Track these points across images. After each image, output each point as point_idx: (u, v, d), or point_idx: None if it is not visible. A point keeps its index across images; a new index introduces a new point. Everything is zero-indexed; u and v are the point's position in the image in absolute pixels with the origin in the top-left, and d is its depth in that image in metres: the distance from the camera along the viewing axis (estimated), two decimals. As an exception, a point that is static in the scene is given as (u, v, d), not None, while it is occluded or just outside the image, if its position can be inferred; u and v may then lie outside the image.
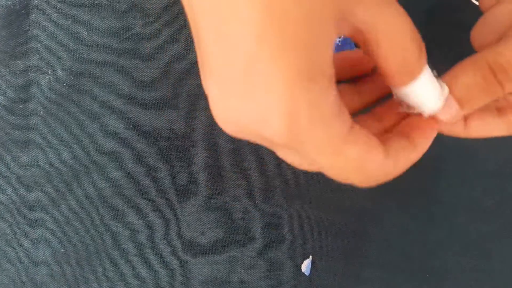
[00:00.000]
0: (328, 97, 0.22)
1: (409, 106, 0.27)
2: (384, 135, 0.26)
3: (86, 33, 0.40)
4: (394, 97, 0.27)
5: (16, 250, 0.39)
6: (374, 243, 0.41)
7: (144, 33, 0.40)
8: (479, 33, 0.31)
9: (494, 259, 0.41)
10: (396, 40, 0.23)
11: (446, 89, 0.26)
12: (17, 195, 0.39)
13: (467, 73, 0.27)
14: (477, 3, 0.32)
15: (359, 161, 0.23)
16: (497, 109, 0.29)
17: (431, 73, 0.26)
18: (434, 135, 0.27)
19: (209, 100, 0.23)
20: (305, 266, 0.40)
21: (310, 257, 0.40)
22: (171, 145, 0.40)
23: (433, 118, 0.27)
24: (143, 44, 0.40)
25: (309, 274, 0.40)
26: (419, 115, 0.27)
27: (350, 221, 0.41)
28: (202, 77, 0.24)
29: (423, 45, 0.24)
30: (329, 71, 0.22)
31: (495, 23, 0.30)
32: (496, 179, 0.42)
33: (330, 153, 0.22)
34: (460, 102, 0.27)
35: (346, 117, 0.23)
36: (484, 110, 0.29)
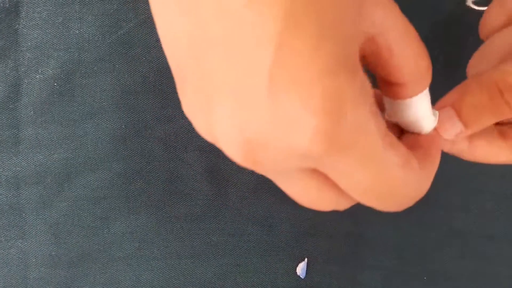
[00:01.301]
0: (369, 91, 0.19)
1: (406, 124, 0.25)
2: None
3: (77, 32, 0.39)
4: (386, 117, 0.26)
5: (5, 252, 0.39)
6: (371, 245, 0.40)
7: (137, 32, 0.39)
8: (478, 62, 0.30)
9: (493, 262, 0.41)
10: (409, 45, 0.21)
11: (437, 112, 0.26)
12: (6, 196, 0.39)
13: (473, 92, 0.26)
14: (474, 6, 0.31)
15: (401, 171, 0.20)
16: (501, 134, 0.28)
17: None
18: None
19: (215, 128, 0.20)
20: (301, 268, 0.40)
21: (306, 259, 0.40)
22: (164, 145, 0.39)
23: (435, 135, 0.26)
24: (135, 42, 0.39)
25: (305, 277, 0.40)
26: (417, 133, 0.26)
27: (347, 223, 0.40)
28: (196, 106, 0.20)
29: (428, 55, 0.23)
30: (361, 66, 0.19)
31: (496, 50, 0.29)
32: (495, 180, 0.42)
33: (373, 161, 0.19)
34: (465, 122, 0.26)
35: (382, 118, 0.20)
36: (488, 132, 0.28)
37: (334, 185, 0.21)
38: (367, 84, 0.19)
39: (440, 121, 0.26)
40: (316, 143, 0.18)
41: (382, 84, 0.23)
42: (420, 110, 0.24)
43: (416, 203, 0.40)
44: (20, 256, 0.39)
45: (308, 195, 0.22)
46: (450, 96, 0.27)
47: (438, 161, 0.24)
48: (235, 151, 0.20)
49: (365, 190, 0.20)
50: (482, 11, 0.31)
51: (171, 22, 0.20)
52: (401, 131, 0.26)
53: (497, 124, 0.28)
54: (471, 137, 0.28)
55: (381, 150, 0.20)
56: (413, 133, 0.26)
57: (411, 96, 0.23)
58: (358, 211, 0.41)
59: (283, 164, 0.20)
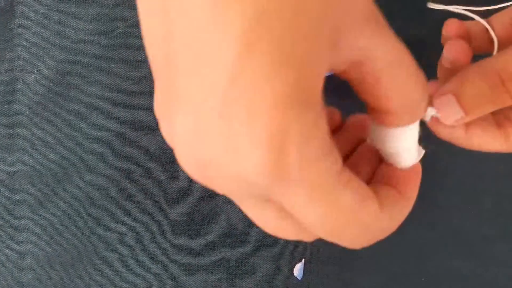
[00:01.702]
0: (321, 127, 0.18)
1: (386, 154, 0.24)
2: (369, 184, 0.22)
3: (73, 31, 0.39)
4: (368, 141, 0.25)
5: (0, 253, 0.39)
6: (368, 246, 0.40)
7: (133, 31, 0.39)
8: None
9: (491, 262, 0.41)
10: (400, 75, 0.20)
11: (422, 150, 0.25)
12: (2, 197, 0.39)
13: (473, 80, 0.26)
14: (435, 6, 0.31)
15: (354, 211, 0.19)
16: (497, 123, 0.29)
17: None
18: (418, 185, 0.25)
19: (174, 136, 0.19)
20: (298, 269, 0.39)
21: (303, 260, 0.40)
22: (160, 145, 0.39)
23: (412, 169, 0.24)
24: (131, 42, 0.39)
25: (302, 278, 0.39)
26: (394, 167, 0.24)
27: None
28: (162, 108, 0.20)
29: (426, 83, 0.21)
30: (321, 100, 0.18)
31: None
32: (493, 180, 0.41)
33: (322, 198, 0.19)
34: (466, 109, 0.26)
35: (337, 156, 0.19)
36: (484, 120, 0.28)
37: (291, 221, 0.20)
38: (322, 120, 0.18)
39: (441, 107, 0.26)
40: (261, 175, 0.17)
41: (369, 107, 0.22)
42: (404, 142, 0.23)
43: (415, 203, 0.40)
44: (16, 257, 0.39)
45: (267, 222, 0.21)
46: (451, 83, 0.27)
47: (412, 201, 0.23)
48: (188, 166, 0.19)
49: (315, 225, 0.20)
50: (445, 9, 0.31)
51: (148, 19, 0.20)
52: (379, 160, 0.25)
53: (493, 113, 0.28)
54: (468, 125, 0.28)
55: (332, 188, 0.19)
56: (390, 165, 0.24)
57: (397, 126, 0.22)
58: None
59: (235, 187, 0.19)
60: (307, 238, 0.22)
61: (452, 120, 0.26)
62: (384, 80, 0.20)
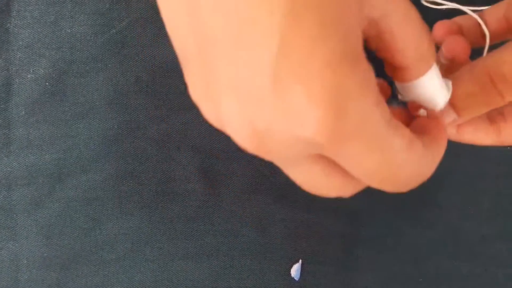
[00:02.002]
0: (372, 79, 0.20)
1: (419, 104, 0.26)
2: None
3: (69, 31, 0.39)
4: (400, 97, 0.26)
5: (-4, 254, 0.39)
6: (366, 246, 0.40)
7: (129, 31, 0.39)
8: None
9: (490, 262, 0.41)
10: (410, 27, 0.22)
11: (450, 83, 0.26)
12: (-3, 197, 0.39)
13: (466, 82, 0.26)
14: (429, 4, 0.31)
15: (406, 152, 0.21)
16: (488, 118, 0.29)
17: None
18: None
19: (222, 116, 0.20)
20: (295, 270, 0.39)
21: (300, 261, 0.39)
22: (157, 145, 0.39)
23: (440, 121, 0.26)
24: (128, 42, 0.39)
25: (299, 279, 0.39)
26: (425, 117, 0.26)
27: (341, 224, 0.40)
28: (201, 92, 0.21)
29: (430, 33, 0.23)
30: (365, 55, 0.20)
31: None
32: (492, 180, 0.41)
33: (378, 146, 0.20)
34: (459, 111, 0.26)
35: (385, 104, 0.21)
36: (477, 116, 0.28)
37: (340, 170, 0.22)
38: (370, 73, 0.20)
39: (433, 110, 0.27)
40: (320, 134, 0.19)
41: (388, 69, 0.24)
42: (429, 89, 0.25)
43: (414, 203, 0.40)
44: (12, 258, 0.39)
45: (315, 180, 0.23)
46: None
47: (444, 144, 0.25)
48: (244, 140, 0.21)
49: (371, 173, 0.21)
50: (440, 9, 0.31)
51: (173, 8, 0.21)
52: (409, 116, 0.27)
53: None
54: (460, 124, 0.29)
55: (385, 136, 0.20)
56: (421, 118, 0.26)
57: (416, 78, 0.24)
58: (353, 211, 0.40)
59: (290, 151, 0.20)
60: (350, 191, 0.23)
61: (445, 122, 0.27)
62: (398, 34, 0.22)
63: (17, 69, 0.39)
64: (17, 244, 0.39)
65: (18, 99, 0.39)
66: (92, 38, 0.39)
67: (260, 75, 0.18)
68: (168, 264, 0.39)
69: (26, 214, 0.39)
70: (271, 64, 0.18)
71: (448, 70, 0.30)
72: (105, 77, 0.39)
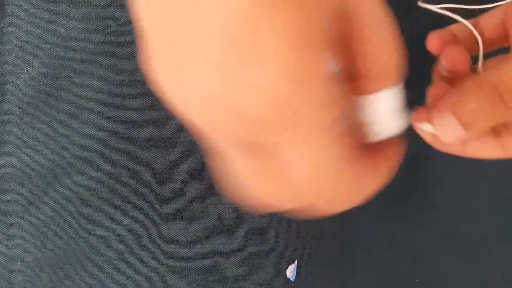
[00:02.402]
0: (322, 75, 0.20)
1: (365, 125, 0.24)
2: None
3: (63, 30, 0.39)
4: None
5: (-10, 255, 0.38)
6: (362, 247, 0.40)
7: (124, 30, 0.39)
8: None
9: (486, 264, 0.41)
10: (381, 35, 0.22)
11: (404, 124, 0.25)
12: (-9, 198, 0.38)
13: (471, 96, 0.25)
14: (426, 6, 0.31)
15: (337, 165, 0.21)
16: (493, 131, 0.28)
17: (403, 95, 0.24)
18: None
19: (185, 88, 0.20)
20: (290, 271, 0.39)
21: (295, 262, 0.39)
22: (152, 146, 0.39)
23: (388, 144, 0.25)
24: (122, 41, 0.39)
25: (294, 280, 0.39)
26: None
27: (337, 225, 0.40)
28: (162, 65, 0.21)
29: (402, 54, 0.23)
30: (327, 49, 0.20)
31: None
32: (489, 180, 0.41)
33: (316, 145, 0.20)
34: (466, 126, 0.26)
35: (337, 110, 0.21)
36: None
37: (276, 173, 0.22)
38: (332, 67, 0.20)
39: (440, 125, 0.26)
40: (272, 109, 0.19)
41: (347, 80, 0.23)
42: (382, 110, 0.23)
43: (410, 203, 0.40)
44: (5, 259, 0.38)
45: (252, 176, 0.23)
46: (449, 100, 0.26)
47: (385, 174, 0.24)
48: (195, 111, 0.21)
49: (304, 173, 0.21)
50: (435, 11, 0.31)
51: None
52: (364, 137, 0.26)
53: None
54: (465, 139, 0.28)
55: (325, 136, 0.20)
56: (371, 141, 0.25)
57: (374, 92, 0.23)
58: (349, 212, 0.40)
59: (243, 133, 0.20)
60: (289, 201, 0.23)
61: (452, 137, 0.26)
62: (366, 38, 0.21)
63: (11, 69, 0.39)
64: (11, 245, 0.38)
65: (12, 99, 0.38)
66: (86, 37, 0.39)
67: (231, 48, 0.19)
68: (163, 265, 0.39)
69: (20, 215, 0.39)
70: (240, 38, 0.18)
71: (450, 82, 0.29)
72: (99, 77, 0.39)
